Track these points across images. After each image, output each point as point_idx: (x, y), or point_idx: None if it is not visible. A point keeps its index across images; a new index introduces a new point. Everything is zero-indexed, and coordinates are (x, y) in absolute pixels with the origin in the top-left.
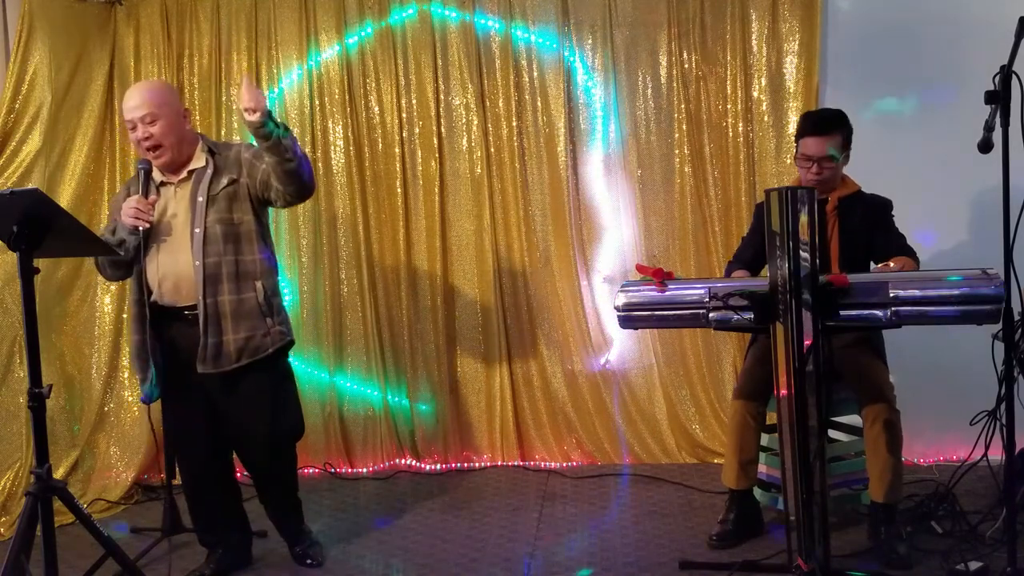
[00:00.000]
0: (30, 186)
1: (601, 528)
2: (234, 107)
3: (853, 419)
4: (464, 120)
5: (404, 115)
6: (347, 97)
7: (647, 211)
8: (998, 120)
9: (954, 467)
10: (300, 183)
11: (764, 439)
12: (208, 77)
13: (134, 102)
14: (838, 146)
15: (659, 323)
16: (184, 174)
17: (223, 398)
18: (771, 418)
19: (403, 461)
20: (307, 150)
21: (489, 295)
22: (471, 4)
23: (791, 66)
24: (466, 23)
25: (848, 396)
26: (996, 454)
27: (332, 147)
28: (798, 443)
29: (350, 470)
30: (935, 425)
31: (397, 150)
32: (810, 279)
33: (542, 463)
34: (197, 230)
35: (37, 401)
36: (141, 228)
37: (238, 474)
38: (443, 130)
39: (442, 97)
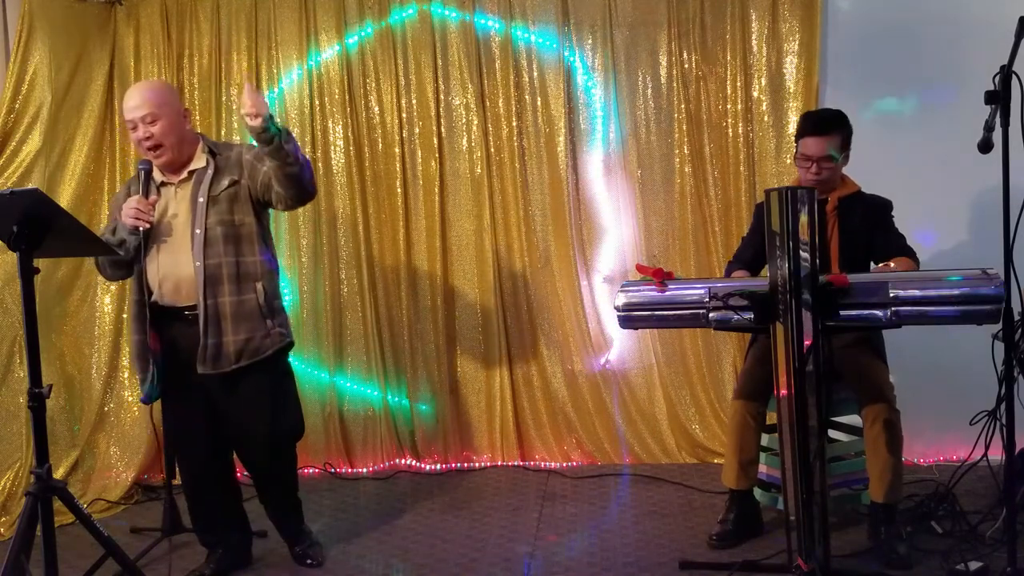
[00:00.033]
0: (30, 186)
1: (601, 528)
2: (234, 107)
3: (853, 419)
4: (464, 120)
5: (404, 115)
6: (347, 97)
7: (647, 211)
8: (998, 120)
9: (954, 467)
10: (301, 188)
11: (764, 439)
12: (208, 77)
13: (135, 102)
14: (837, 146)
15: (659, 323)
16: (184, 174)
17: (223, 398)
18: (771, 418)
19: (403, 461)
20: (307, 150)
21: (489, 295)
22: (471, 4)
23: (791, 66)
24: (466, 23)
25: (848, 396)
26: (996, 454)
27: (332, 147)
28: (798, 443)
29: (350, 470)
30: (935, 425)
31: (397, 150)
32: (810, 279)
33: (542, 463)
34: (198, 231)
35: (37, 401)
36: (142, 228)
37: (238, 474)
38: (443, 130)
39: (442, 97)
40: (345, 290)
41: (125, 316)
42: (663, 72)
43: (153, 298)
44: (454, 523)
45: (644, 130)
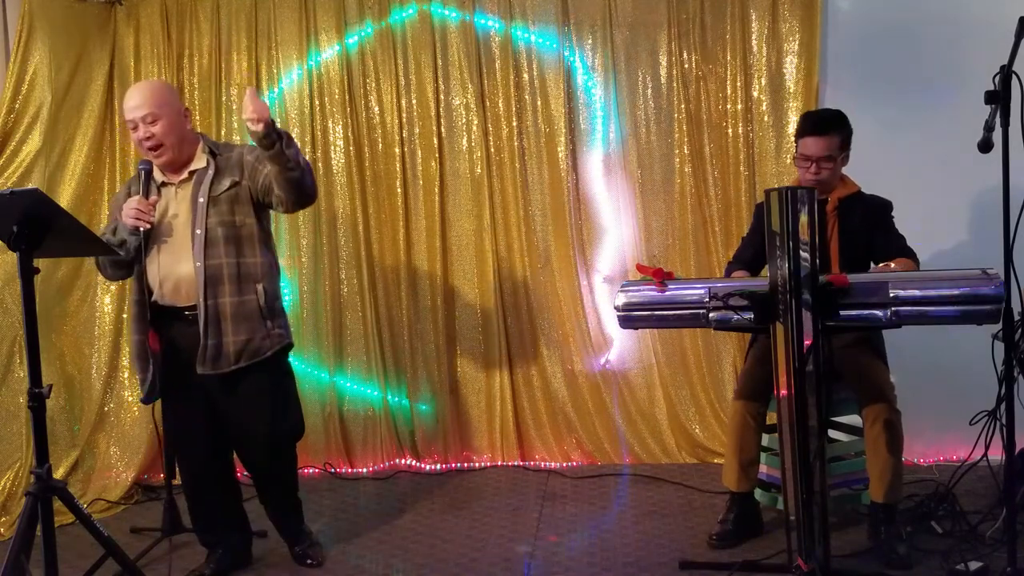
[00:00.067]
0: (30, 186)
1: (601, 528)
2: (234, 107)
3: (853, 419)
4: (464, 120)
5: (404, 115)
6: (347, 97)
7: (647, 211)
8: (998, 120)
9: (954, 467)
10: (301, 192)
11: (764, 439)
12: (208, 77)
13: (135, 102)
14: (837, 147)
15: (659, 323)
16: (185, 174)
17: (223, 398)
18: (771, 418)
19: (403, 461)
20: (307, 150)
21: (489, 295)
22: (471, 4)
23: (791, 66)
24: (466, 23)
25: (848, 396)
26: (996, 454)
27: (332, 147)
28: (798, 443)
29: (350, 470)
30: (935, 425)
31: (397, 150)
32: (810, 279)
33: (542, 463)
34: (198, 231)
35: (37, 401)
36: (142, 229)
37: (238, 474)
38: (443, 130)
39: (442, 97)
40: (345, 290)
41: (125, 316)
42: (663, 72)
43: (153, 298)
44: (454, 523)
45: (644, 130)
